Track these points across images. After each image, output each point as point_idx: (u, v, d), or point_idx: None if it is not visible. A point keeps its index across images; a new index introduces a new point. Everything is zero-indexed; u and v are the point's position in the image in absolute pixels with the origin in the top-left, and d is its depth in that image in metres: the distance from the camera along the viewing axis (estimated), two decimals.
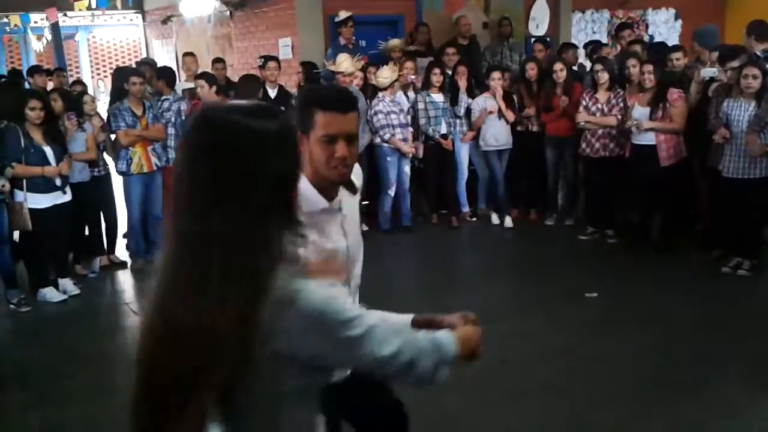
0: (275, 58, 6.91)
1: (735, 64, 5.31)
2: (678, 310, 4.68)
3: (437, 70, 6.89)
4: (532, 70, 6.93)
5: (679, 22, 10.20)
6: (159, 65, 8.00)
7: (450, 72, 7.12)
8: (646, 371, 3.83)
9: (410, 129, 6.74)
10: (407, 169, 6.81)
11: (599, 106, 6.16)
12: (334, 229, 2.00)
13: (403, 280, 5.91)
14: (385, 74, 6.54)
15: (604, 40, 9.19)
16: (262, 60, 6.79)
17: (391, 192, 6.75)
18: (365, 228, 6.83)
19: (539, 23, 9.07)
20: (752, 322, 4.45)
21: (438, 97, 6.87)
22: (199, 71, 6.85)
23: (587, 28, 9.55)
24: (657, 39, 9.61)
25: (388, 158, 6.65)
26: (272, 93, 6.68)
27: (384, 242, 6.68)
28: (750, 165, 5.07)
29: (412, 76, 6.70)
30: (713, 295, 4.94)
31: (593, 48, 7.58)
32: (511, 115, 6.83)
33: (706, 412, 3.40)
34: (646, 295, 4.98)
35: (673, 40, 9.80)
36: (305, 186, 1.83)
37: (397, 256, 6.44)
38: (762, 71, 5.12)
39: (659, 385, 3.67)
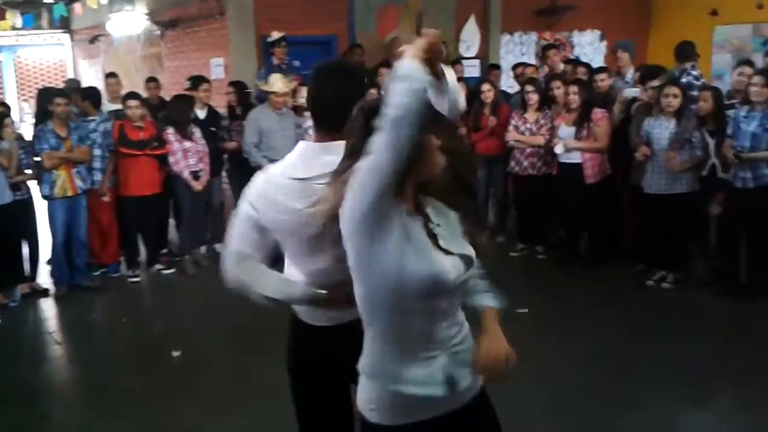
0: (207, 80, 6.84)
1: (656, 83, 5.53)
2: (607, 324, 4.81)
3: (373, 91, 6.92)
4: (462, 90, 7.04)
5: (604, 43, 10.57)
6: (85, 86, 7.81)
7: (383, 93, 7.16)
8: (579, 386, 3.90)
9: None
10: None
11: (528, 125, 6.31)
12: None
13: None
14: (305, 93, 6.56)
15: (533, 61, 9.45)
16: (191, 82, 6.71)
17: None
18: None
19: (470, 45, 9.27)
20: (678, 335, 4.59)
21: None
22: (126, 92, 6.71)
23: (515, 49, 9.80)
24: (583, 60, 9.92)
25: None
26: (201, 114, 6.60)
27: None
28: (670, 181, 5.26)
29: None
30: (640, 308, 5.10)
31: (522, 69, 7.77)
32: None
33: (639, 428, 3.48)
34: (575, 310, 5.09)
35: (598, 60, 10.15)
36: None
37: None
38: (681, 90, 5.36)
39: (590, 399, 3.74)
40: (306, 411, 2.20)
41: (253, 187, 2.12)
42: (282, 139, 6.44)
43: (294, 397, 2.22)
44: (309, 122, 6.57)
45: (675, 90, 5.27)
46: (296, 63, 7.65)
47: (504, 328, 4.85)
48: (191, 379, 4.25)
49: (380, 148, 1.54)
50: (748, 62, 5.83)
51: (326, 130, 1.97)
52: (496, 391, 3.83)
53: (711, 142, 5.21)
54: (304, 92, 6.57)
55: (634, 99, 5.87)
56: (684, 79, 5.93)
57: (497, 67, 8.06)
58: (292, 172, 1.99)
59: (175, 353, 4.59)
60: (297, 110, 6.73)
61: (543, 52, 8.61)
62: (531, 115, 6.33)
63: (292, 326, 2.23)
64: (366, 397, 1.81)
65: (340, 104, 1.87)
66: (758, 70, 5.03)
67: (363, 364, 1.80)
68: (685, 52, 6.13)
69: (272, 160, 6.29)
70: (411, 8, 8.86)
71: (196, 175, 6.25)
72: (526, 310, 5.00)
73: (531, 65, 7.84)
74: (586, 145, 5.84)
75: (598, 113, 5.82)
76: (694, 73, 6.09)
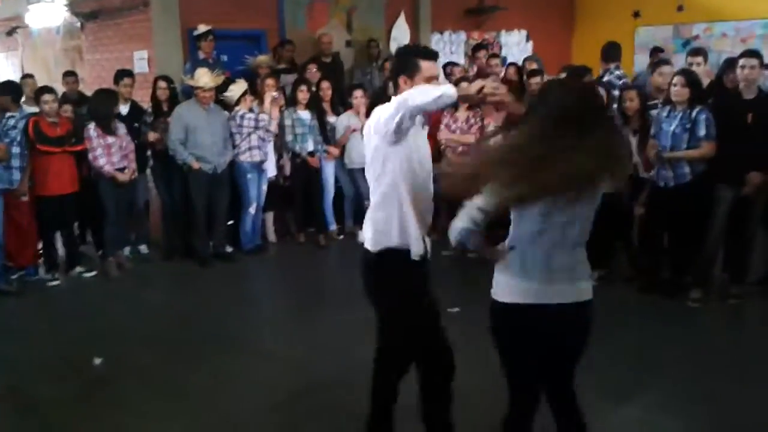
0: (130, 74, 6.60)
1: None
2: None
3: (303, 87, 6.85)
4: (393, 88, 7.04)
5: (530, 43, 10.78)
6: (2, 80, 7.40)
7: (314, 89, 7.10)
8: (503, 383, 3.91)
9: (270, 146, 6.63)
10: (265, 187, 6.71)
11: (459, 124, 6.36)
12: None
13: (269, 301, 5.79)
14: (233, 88, 6.44)
15: (462, 60, 9.55)
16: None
17: (252, 210, 6.61)
18: (230, 249, 6.68)
19: (400, 43, 9.25)
20: (601, 329, 4.68)
21: (305, 115, 6.83)
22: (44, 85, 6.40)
23: (446, 48, 9.86)
24: (510, 60, 10.08)
25: (248, 175, 6.52)
26: (124, 110, 6.36)
27: (249, 263, 6.53)
28: None
29: (275, 94, 6.59)
30: None
31: (451, 68, 7.84)
32: None
33: None
34: None
35: None
36: None
37: (263, 277, 6.32)
38: (606, 90, 5.49)
39: None
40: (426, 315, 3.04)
41: None
42: (210, 137, 6.28)
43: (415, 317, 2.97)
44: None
45: (600, 90, 5.39)
46: (224, 58, 7.48)
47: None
48: (115, 388, 4.09)
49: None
50: (666, 62, 6.01)
51: None
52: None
53: (633, 141, 5.35)
54: (236, 88, 6.45)
55: None
56: (605, 78, 6.09)
57: None
58: None
59: (97, 361, 4.40)
60: (226, 106, 6.58)
61: (472, 52, 8.71)
62: (462, 114, 6.38)
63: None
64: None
65: None
66: (679, 70, 5.17)
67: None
68: (610, 53, 6.29)
69: (199, 158, 6.20)
70: (340, 4, 8.80)
71: (120, 172, 6.04)
72: (458, 309, 5.04)
73: (459, 65, 7.91)
74: None
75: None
76: (617, 72, 6.27)
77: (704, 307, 4.96)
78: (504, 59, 9.95)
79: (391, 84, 3.02)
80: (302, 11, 8.47)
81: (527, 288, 2.45)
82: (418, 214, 2.80)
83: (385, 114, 2.66)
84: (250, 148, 6.48)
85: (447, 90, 2.50)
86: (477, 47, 8.56)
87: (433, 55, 2.85)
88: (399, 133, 2.64)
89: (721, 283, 5.21)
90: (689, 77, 4.87)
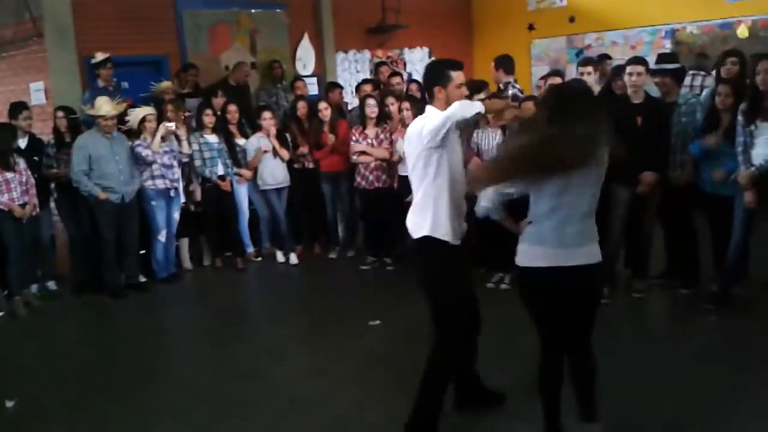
0: (26, 106, 6.36)
1: (482, 96, 5.86)
2: None
3: (209, 111, 6.80)
4: (303, 108, 7.12)
5: (433, 59, 11.07)
6: None
7: (220, 112, 7.06)
8: None
9: (176, 171, 6.52)
10: (176, 215, 6.60)
11: (369, 140, 6.47)
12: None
13: (187, 329, 5.67)
14: (134, 113, 6.35)
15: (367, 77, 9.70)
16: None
17: (162, 238, 6.49)
18: (143, 279, 6.52)
19: (305, 63, 9.36)
20: (515, 331, 4.84)
21: (212, 138, 6.77)
22: None
23: (351, 67, 10.02)
24: (414, 76, 10.34)
25: (153, 202, 6.40)
26: (22, 143, 6.14)
27: (164, 292, 6.39)
28: None
29: (171, 125, 6.43)
30: (482, 309, 5.33)
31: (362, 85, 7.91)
32: (285, 154, 6.92)
33: (492, 426, 3.62)
34: (423, 317, 5.20)
35: None
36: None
37: (180, 305, 6.18)
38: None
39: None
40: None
41: None
42: (115, 165, 6.14)
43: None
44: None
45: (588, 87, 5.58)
46: (125, 84, 7.34)
47: (356, 339, 4.91)
48: (30, 430, 3.92)
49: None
50: (558, 73, 6.31)
51: None
52: (355, 397, 3.90)
53: None
54: (138, 113, 6.34)
55: None
56: (510, 91, 6.34)
57: (339, 86, 8.17)
58: None
59: (9, 403, 4.21)
60: (130, 134, 6.45)
61: (375, 69, 8.87)
62: (371, 131, 6.49)
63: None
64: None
65: None
66: (570, 80, 5.47)
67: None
68: (509, 65, 6.55)
69: (106, 188, 6.04)
70: (243, 27, 8.80)
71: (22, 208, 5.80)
72: (378, 322, 5.12)
73: (371, 81, 8.02)
74: None
75: None
76: (518, 86, 6.53)
77: (611, 302, 5.19)
78: (409, 75, 10.21)
79: (426, 94, 3.43)
80: (204, 35, 8.42)
81: (543, 253, 2.96)
82: (453, 206, 3.30)
83: (430, 125, 3.14)
84: (152, 177, 6.38)
85: (479, 107, 3.12)
86: (380, 64, 8.73)
87: (460, 66, 3.31)
88: (444, 139, 3.14)
89: (625, 278, 5.50)
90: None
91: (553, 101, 3.01)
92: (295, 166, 7.09)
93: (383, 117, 6.53)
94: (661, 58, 5.76)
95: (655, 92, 5.31)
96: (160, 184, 6.40)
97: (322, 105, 6.92)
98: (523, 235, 3.08)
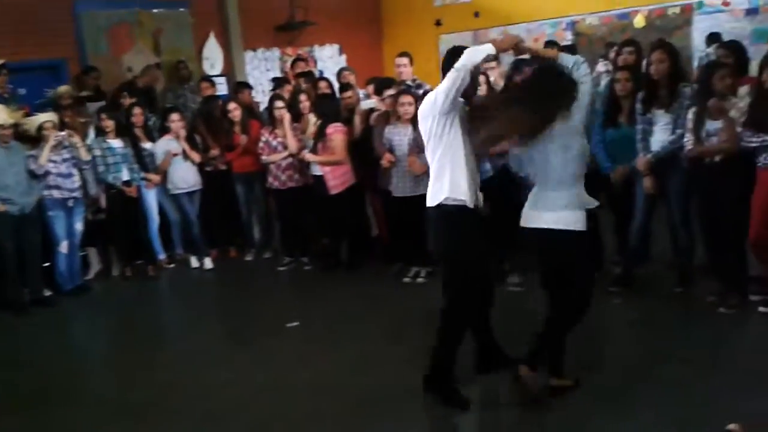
0: None
1: (391, 91, 5.90)
2: (372, 325, 4.99)
3: (104, 116, 6.55)
4: (218, 108, 6.98)
5: (344, 56, 11.07)
6: None
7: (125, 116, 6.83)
8: (350, 394, 3.96)
9: (75, 180, 6.26)
10: (79, 225, 6.35)
11: (279, 140, 6.40)
12: None
13: (98, 343, 5.47)
14: (31, 120, 6.08)
15: (279, 75, 9.59)
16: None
17: (64, 249, 6.22)
18: (48, 293, 6.23)
19: (213, 62, 9.17)
20: (436, 323, 4.91)
21: (116, 143, 6.53)
22: None
23: (261, 65, 9.89)
24: (326, 74, 10.30)
25: (51, 212, 6.13)
26: None
27: (71, 305, 6.12)
28: (414, 184, 5.65)
29: (60, 134, 6.13)
30: (399, 304, 5.39)
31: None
32: (195, 156, 6.77)
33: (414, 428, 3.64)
34: (342, 316, 5.24)
35: None
36: None
37: (88, 318, 5.95)
38: (414, 98, 5.76)
39: (364, 405, 3.82)
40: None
41: None
42: (13, 176, 5.85)
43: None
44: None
45: (409, 98, 5.65)
46: (22, 91, 7.00)
47: (275, 342, 4.86)
48: None
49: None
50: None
51: None
52: (274, 404, 3.86)
53: None
54: (37, 119, 6.05)
55: (372, 110, 6.19)
56: (420, 90, 6.40)
57: (248, 85, 8.03)
58: None
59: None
60: (31, 141, 6.14)
61: (291, 66, 8.78)
62: (281, 130, 6.42)
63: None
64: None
65: None
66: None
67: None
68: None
69: (4, 200, 5.73)
70: (145, 26, 8.54)
71: None
72: (297, 323, 5.08)
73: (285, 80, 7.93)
74: (323, 158, 6.07)
75: (330, 128, 6.02)
76: (427, 86, 6.58)
77: (524, 289, 5.33)
78: (320, 72, 10.17)
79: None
80: (104, 36, 8.14)
81: (523, 212, 3.48)
82: (469, 169, 3.47)
83: (442, 86, 3.35)
84: (48, 187, 6.10)
85: (488, 48, 3.29)
86: (296, 60, 8.64)
87: None
88: (456, 98, 3.35)
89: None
90: (485, 78, 5.27)
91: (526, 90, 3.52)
92: (207, 168, 6.94)
93: (296, 116, 6.46)
94: (562, 50, 5.93)
95: None
96: (57, 194, 6.13)
97: (232, 105, 6.79)
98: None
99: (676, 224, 4.94)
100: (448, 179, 3.46)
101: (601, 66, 6.77)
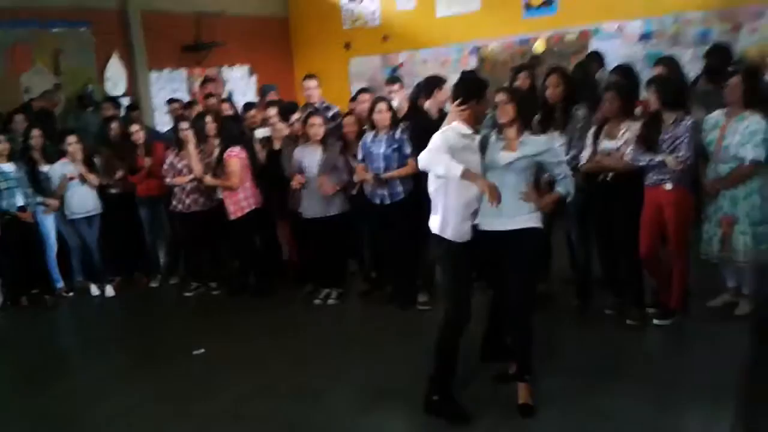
0: None
1: (296, 116, 5.89)
2: (279, 348, 4.92)
3: (1, 138, 6.25)
4: (116, 129, 6.78)
5: (254, 77, 10.99)
6: None
7: (22, 139, 6.54)
8: (261, 418, 3.91)
9: None
10: None
11: (184, 163, 6.26)
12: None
13: None
14: None
15: (186, 97, 9.42)
16: None
17: None
18: None
19: (116, 82, 8.91)
20: (346, 345, 4.92)
21: (7, 167, 6.22)
22: None
23: (167, 86, 9.67)
24: (236, 95, 10.20)
25: None
26: None
27: None
28: (324, 205, 5.65)
29: None
30: (310, 327, 5.36)
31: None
32: (94, 179, 6.53)
33: None
34: (250, 342, 5.15)
35: (251, 94, 10.53)
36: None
37: None
38: (323, 120, 5.78)
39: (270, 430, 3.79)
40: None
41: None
42: None
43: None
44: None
45: (318, 120, 5.67)
46: None
47: (180, 371, 4.71)
48: None
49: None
50: (367, 90, 6.46)
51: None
52: None
53: (353, 163, 5.68)
54: None
55: (268, 138, 6.16)
56: (330, 112, 6.43)
57: (136, 107, 7.92)
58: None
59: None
60: None
61: (200, 87, 8.63)
62: (186, 153, 6.28)
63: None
64: None
65: None
66: (377, 97, 5.63)
67: None
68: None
69: None
70: (44, 46, 8.22)
71: None
72: (203, 350, 4.95)
73: (178, 101, 7.80)
74: (218, 182, 6.01)
75: (227, 152, 5.94)
76: (335, 109, 6.62)
77: (432, 308, 5.38)
78: (230, 94, 10.07)
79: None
80: (1, 55, 7.77)
81: (484, 220, 3.69)
82: (461, 209, 3.62)
83: (425, 154, 3.56)
84: None
85: (459, 172, 3.38)
86: (205, 81, 8.48)
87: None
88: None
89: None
90: (388, 104, 5.37)
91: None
92: (113, 191, 6.71)
93: (201, 138, 6.34)
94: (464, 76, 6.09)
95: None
96: None
97: (134, 127, 6.62)
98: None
99: (573, 240, 5.14)
100: (439, 218, 3.68)
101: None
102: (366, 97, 5.91)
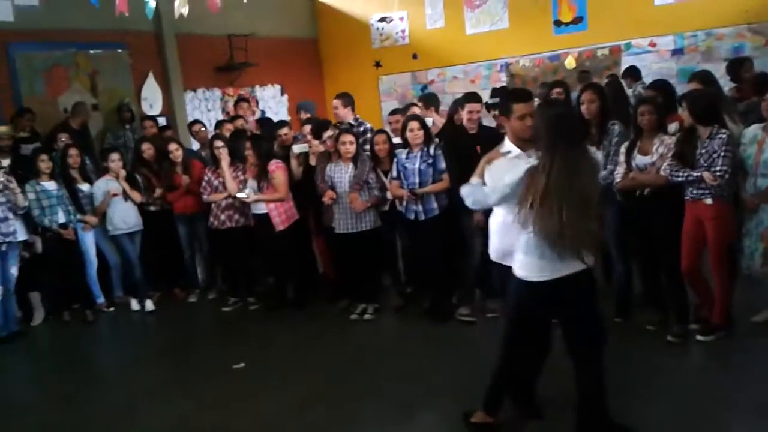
0: None
1: (329, 132, 5.97)
2: (319, 364, 4.95)
3: (45, 157, 6.41)
4: (148, 150, 6.91)
5: (285, 96, 11.15)
6: None
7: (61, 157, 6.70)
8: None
9: (11, 224, 6.05)
10: (14, 269, 6.14)
11: (221, 180, 6.37)
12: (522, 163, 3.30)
13: (33, 392, 5.24)
14: None
15: (220, 116, 9.60)
16: None
17: None
18: None
19: (152, 103, 9.11)
20: (384, 358, 4.94)
21: (50, 185, 6.38)
22: None
23: (201, 106, 9.86)
24: (268, 113, 10.36)
25: None
26: None
27: (5, 353, 5.87)
28: (356, 220, 5.71)
29: (1, 179, 5.97)
30: (348, 341, 5.39)
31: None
32: (137, 196, 6.67)
33: None
34: (289, 355, 5.19)
35: (282, 113, 10.69)
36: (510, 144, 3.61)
37: (23, 365, 5.72)
38: (355, 137, 5.85)
39: None
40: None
41: None
42: None
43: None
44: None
45: (350, 137, 5.75)
46: None
47: (220, 385, 4.75)
48: None
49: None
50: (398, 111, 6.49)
51: None
52: None
53: (386, 181, 5.74)
54: None
55: (306, 154, 6.24)
56: (361, 128, 6.50)
57: (168, 127, 8.18)
58: None
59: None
60: None
61: (235, 106, 8.79)
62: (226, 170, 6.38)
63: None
64: None
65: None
66: (411, 116, 5.70)
67: None
68: (352, 102, 6.71)
69: None
70: (82, 68, 8.44)
71: None
72: (243, 365, 5.01)
73: (199, 122, 7.94)
74: (267, 196, 6.09)
75: (272, 165, 6.06)
76: (368, 125, 6.70)
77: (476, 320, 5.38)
78: (263, 113, 10.23)
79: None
80: (39, 77, 7.99)
81: (532, 265, 3.30)
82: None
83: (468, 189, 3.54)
84: None
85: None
86: (239, 101, 8.65)
87: (525, 97, 3.59)
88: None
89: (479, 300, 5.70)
90: (421, 121, 5.44)
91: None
92: (151, 209, 6.85)
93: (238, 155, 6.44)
94: (494, 92, 6.15)
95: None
96: None
97: (173, 146, 6.75)
98: None
99: (611, 256, 5.12)
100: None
101: None
102: (396, 117, 5.99)
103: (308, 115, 7.06)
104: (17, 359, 5.82)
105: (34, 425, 4.49)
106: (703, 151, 4.37)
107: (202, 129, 7.68)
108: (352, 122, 6.58)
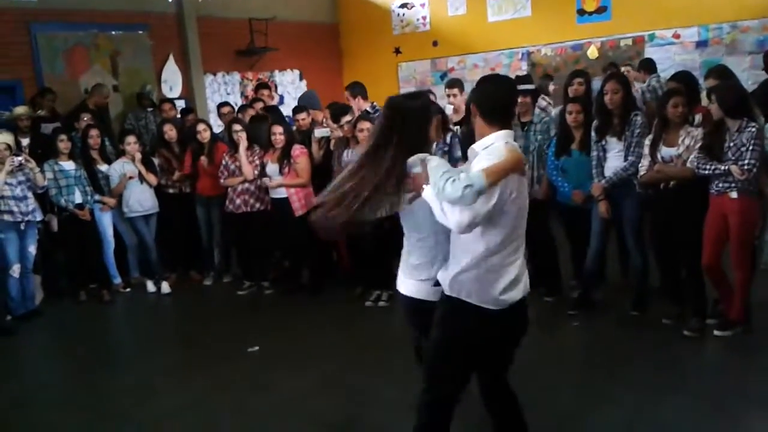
0: None
1: (348, 118, 5.95)
2: (333, 349, 4.97)
3: (64, 137, 6.44)
4: (170, 131, 6.92)
5: (304, 82, 11.13)
6: None
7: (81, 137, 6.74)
8: (312, 418, 3.94)
9: (30, 203, 6.10)
10: (32, 248, 6.18)
11: (238, 164, 6.36)
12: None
13: (49, 369, 5.30)
14: None
15: (239, 100, 9.60)
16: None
17: (15, 273, 6.04)
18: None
19: (172, 85, 9.13)
20: (397, 346, 4.92)
21: (68, 165, 6.41)
22: None
23: (221, 89, 9.86)
24: (286, 98, 10.35)
25: (2, 235, 5.95)
26: None
27: (21, 330, 5.93)
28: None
29: (18, 159, 5.95)
30: (362, 327, 5.39)
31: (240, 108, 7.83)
32: (152, 179, 6.69)
33: None
34: (303, 340, 5.21)
35: None
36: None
37: (40, 344, 5.78)
38: (372, 123, 5.82)
39: (328, 427, 3.82)
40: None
41: None
42: None
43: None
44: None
45: (367, 124, 5.71)
46: None
47: (234, 367, 4.76)
48: None
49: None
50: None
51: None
52: (236, 428, 3.80)
53: None
54: None
55: (327, 138, 6.22)
56: (377, 114, 6.47)
57: (190, 110, 8.22)
58: None
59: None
60: None
61: (255, 91, 8.79)
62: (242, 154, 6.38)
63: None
64: None
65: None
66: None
67: None
68: (364, 91, 6.68)
69: None
70: (102, 49, 8.46)
71: None
72: (257, 348, 5.02)
73: (228, 104, 7.93)
74: (288, 181, 6.08)
75: (296, 150, 6.08)
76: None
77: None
78: (281, 98, 10.22)
79: None
80: (60, 58, 8.03)
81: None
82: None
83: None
84: (0, 210, 5.94)
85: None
86: (259, 86, 8.66)
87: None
88: None
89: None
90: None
91: None
92: (170, 191, 6.87)
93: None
94: (518, 79, 6.08)
95: None
96: (8, 217, 5.95)
97: (201, 126, 6.75)
98: None
99: (629, 248, 5.07)
100: None
101: (542, 102, 6.93)
102: None
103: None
104: (33, 338, 5.88)
105: (53, 403, 4.54)
106: (732, 144, 4.29)
107: (230, 111, 7.67)
108: (369, 109, 6.55)
